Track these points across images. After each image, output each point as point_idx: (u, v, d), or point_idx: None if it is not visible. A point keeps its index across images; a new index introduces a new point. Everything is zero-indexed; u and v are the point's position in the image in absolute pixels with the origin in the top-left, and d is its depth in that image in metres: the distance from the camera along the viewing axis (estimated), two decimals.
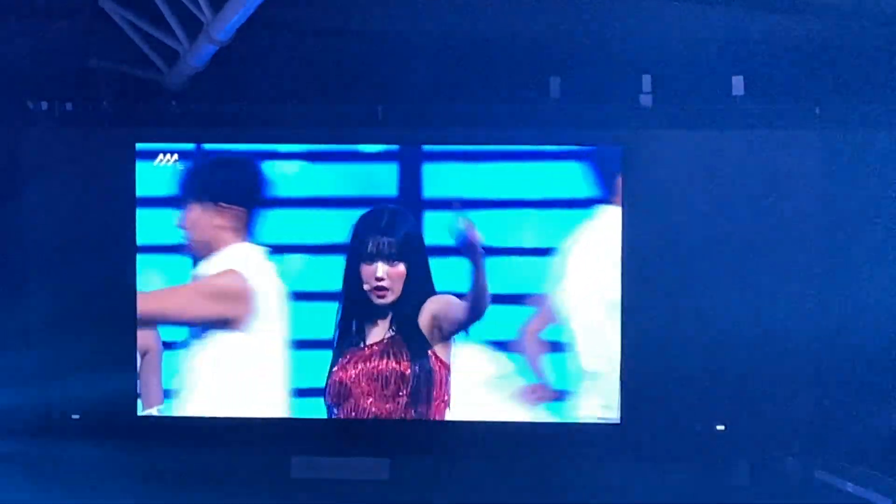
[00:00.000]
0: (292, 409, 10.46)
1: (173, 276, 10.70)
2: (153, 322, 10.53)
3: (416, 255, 10.23)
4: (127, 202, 10.45)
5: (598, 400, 10.41)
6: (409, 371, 10.26)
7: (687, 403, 10.36)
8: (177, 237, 10.63)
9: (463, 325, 10.19)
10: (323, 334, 10.39)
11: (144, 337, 10.55)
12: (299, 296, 10.47)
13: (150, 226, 10.65)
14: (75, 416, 10.58)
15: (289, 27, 10.05)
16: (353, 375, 10.33)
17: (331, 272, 10.40)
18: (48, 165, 10.51)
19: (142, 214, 10.51)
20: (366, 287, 10.23)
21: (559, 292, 10.38)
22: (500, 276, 10.26)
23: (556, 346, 10.44)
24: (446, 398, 10.35)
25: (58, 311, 10.49)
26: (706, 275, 10.29)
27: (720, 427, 10.34)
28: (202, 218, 10.38)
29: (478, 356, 10.34)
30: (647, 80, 10.28)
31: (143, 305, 10.45)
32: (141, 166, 10.47)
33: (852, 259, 10.13)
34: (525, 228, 10.34)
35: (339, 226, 10.40)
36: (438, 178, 10.40)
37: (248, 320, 10.42)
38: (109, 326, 10.47)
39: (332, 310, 10.38)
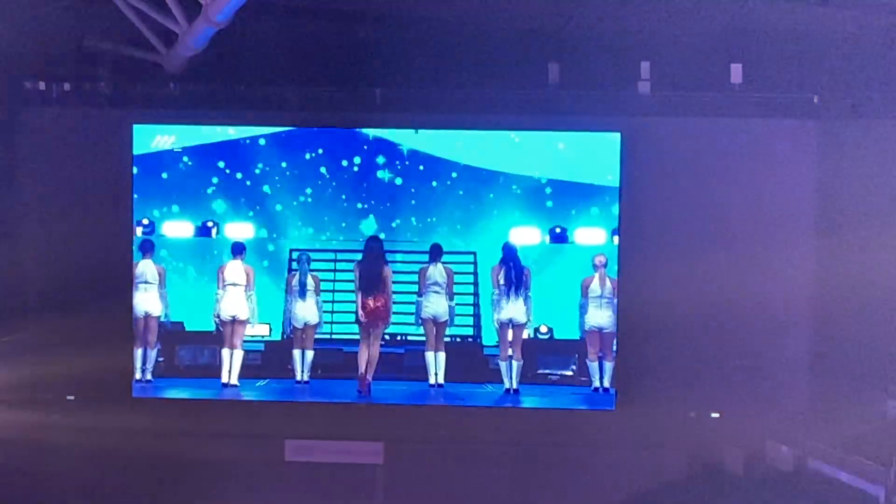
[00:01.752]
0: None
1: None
2: None
3: None
4: (124, 182, 10.44)
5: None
6: None
7: (682, 391, 10.35)
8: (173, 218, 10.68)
9: None
10: None
11: None
12: None
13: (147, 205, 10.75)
14: (70, 397, 10.57)
15: (288, 10, 10.01)
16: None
17: None
18: (45, 145, 10.49)
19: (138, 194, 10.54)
20: None
21: None
22: None
23: None
24: None
25: (54, 291, 10.49)
26: (703, 261, 10.26)
27: (715, 414, 10.34)
28: None
29: None
30: (645, 67, 10.28)
31: None
32: (138, 147, 10.47)
33: (848, 248, 10.11)
34: None
35: None
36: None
37: None
38: (105, 307, 10.45)
39: None
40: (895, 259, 9.94)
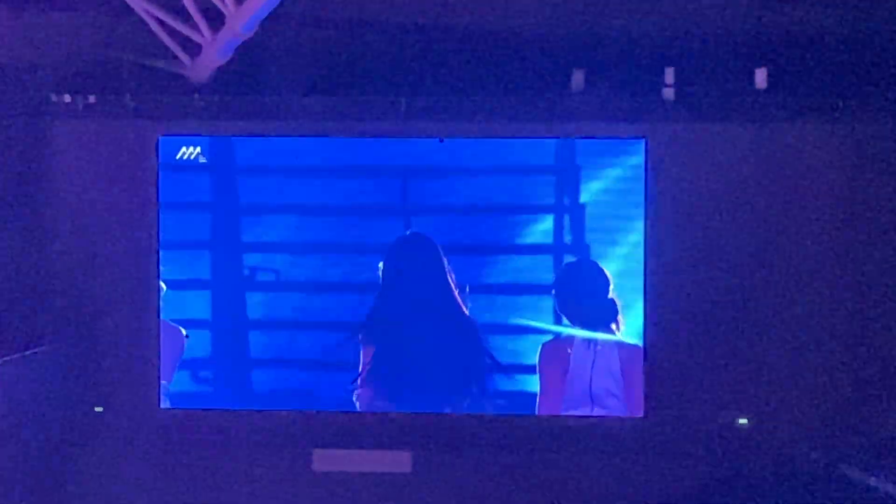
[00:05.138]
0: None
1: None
2: None
3: None
4: (150, 195, 10.47)
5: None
6: None
7: (710, 397, 10.34)
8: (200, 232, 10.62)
9: None
10: None
11: None
12: None
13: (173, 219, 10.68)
14: (98, 409, 10.60)
15: (312, 19, 10.02)
16: None
17: None
18: (71, 158, 10.53)
19: (165, 208, 10.52)
20: None
21: None
22: None
23: None
24: None
25: (81, 304, 10.53)
26: (730, 266, 10.28)
27: (743, 420, 10.30)
28: None
29: None
30: (670, 72, 10.24)
31: None
32: (164, 159, 10.49)
33: (878, 252, 10.11)
34: None
35: None
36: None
37: None
38: (132, 319, 10.50)
39: None
40: None
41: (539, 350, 10.23)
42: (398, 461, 10.46)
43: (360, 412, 10.45)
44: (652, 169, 10.26)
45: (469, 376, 10.12)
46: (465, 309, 10.16)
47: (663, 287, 10.28)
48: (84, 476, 10.50)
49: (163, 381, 10.43)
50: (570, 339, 10.09)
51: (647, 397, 10.41)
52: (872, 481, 9.34)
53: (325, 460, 10.55)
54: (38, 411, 10.06)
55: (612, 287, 10.12)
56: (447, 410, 10.04)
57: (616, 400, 10.06)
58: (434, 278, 10.20)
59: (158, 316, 10.53)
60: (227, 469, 10.50)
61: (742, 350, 10.31)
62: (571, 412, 10.06)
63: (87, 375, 10.54)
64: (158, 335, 10.57)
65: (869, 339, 10.13)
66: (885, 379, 10.04)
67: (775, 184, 10.30)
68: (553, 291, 10.25)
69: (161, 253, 10.44)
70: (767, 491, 10.15)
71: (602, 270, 10.18)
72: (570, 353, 10.08)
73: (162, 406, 10.55)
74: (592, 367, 10.06)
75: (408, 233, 10.31)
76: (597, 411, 10.05)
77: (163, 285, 10.48)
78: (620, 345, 10.19)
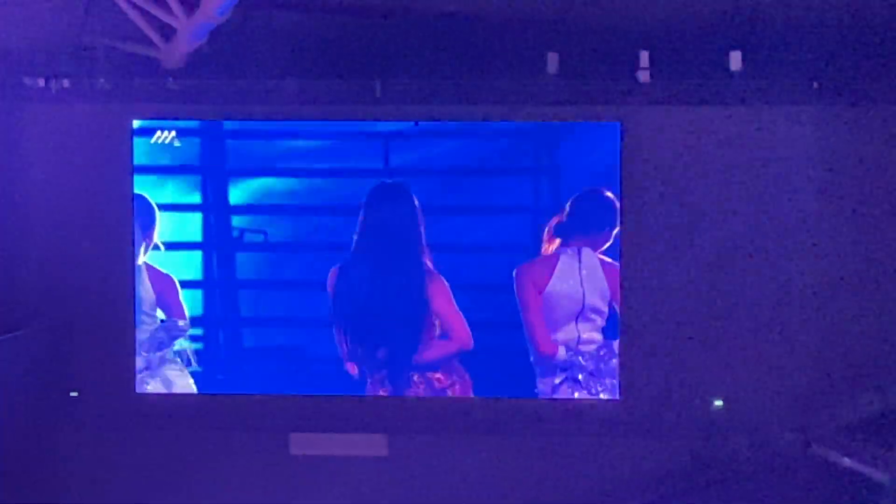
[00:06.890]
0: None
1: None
2: None
3: None
4: (124, 179, 10.43)
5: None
6: None
7: (685, 380, 10.38)
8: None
9: None
10: None
11: None
12: None
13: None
14: (74, 394, 10.58)
15: (286, 2, 9.99)
16: None
17: None
18: (44, 142, 10.48)
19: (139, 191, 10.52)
20: None
21: None
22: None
23: None
24: None
25: (55, 289, 10.50)
26: (704, 249, 10.30)
27: (718, 403, 10.35)
28: None
29: None
30: (644, 55, 10.23)
31: None
32: (138, 143, 10.47)
33: (851, 234, 10.15)
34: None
35: None
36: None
37: None
38: (108, 304, 10.47)
39: None
40: None
41: (515, 272, 10.31)
42: (375, 444, 10.48)
43: (337, 396, 10.48)
44: (627, 152, 10.27)
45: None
46: (429, 263, 10.30)
47: (639, 271, 10.31)
48: (60, 460, 10.49)
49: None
50: (545, 257, 10.24)
51: (623, 380, 10.44)
52: (845, 462, 9.40)
53: (303, 444, 10.56)
54: (14, 396, 10.02)
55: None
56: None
57: (600, 316, 10.23)
58: (406, 227, 10.35)
59: (134, 301, 10.51)
60: (204, 453, 10.50)
61: (717, 333, 10.36)
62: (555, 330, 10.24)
63: (63, 360, 10.51)
64: (134, 320, 10.55)
65: (842, 322, 10.18)
66: (857, 361, 10.10)
67: (751, 166, 10.33)
68: (566, 211, 10.29)
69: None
70: (742, 472, 10.20)
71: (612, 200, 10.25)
72: (551, 269, 10.24)
73: (138, 390, 10.56)
74: (581, 279, 10.23)
75: (388, 181, 10.45)
76: (580, 327, 10.25)
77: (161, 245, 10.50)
78: (602, 261, 10.30)
